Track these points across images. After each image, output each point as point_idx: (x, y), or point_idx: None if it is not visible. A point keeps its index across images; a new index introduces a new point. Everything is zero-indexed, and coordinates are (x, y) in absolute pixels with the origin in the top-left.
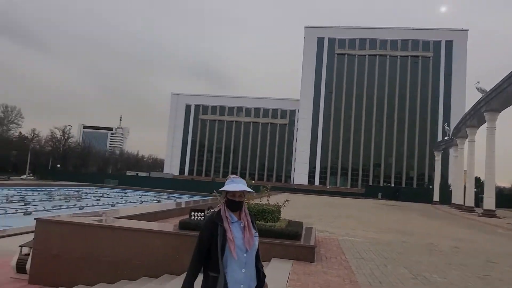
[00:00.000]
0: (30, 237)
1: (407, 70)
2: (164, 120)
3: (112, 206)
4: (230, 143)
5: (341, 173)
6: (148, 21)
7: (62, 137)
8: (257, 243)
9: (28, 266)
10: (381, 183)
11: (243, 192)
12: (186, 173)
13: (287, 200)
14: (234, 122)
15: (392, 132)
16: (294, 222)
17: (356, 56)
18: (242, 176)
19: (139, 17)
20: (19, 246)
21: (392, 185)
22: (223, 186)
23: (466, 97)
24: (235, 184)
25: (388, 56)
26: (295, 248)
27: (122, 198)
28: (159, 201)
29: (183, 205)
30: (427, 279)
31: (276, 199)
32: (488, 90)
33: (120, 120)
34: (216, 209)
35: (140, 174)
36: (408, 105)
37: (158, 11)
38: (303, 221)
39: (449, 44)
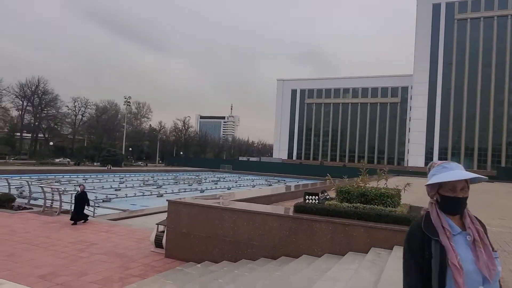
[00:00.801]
0: (163, 216)
1: None
2: (271, 106)
3: (228, 189)
4: (337, 126)
5: (465, 153)
6: (253, 11)
7: (183, 127)
8: (500, 268)
9: (164, 242)
10: None
11: (466, 183)
12: (294, 157)
13: (408, 184)
14: (340, 104)
15: None
16: (417, 208)
17: (482, 19)
18: (351, 160)
19: (245, 8)
20: (156, 224)
21: None
22: (331, 170)
23: None
24: (455, 172)
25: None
26: None
27: (236, 182)
28: (270, 185)
29: (293, 189)
30: None
31: (392, 182)
32: None
33: (231, 109)
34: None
35: (251, 159)
36: None
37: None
38: (425, 206)
39: None
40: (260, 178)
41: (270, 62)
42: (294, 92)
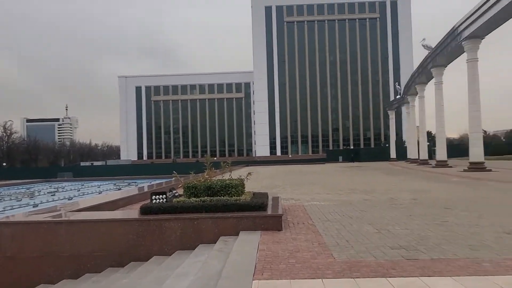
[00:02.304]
0: None
1: (356, 32)
2: (115, 105)
3: (69, 199)
4: (187, 122)
5: (302, 140)
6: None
7: (4, 134)
8: None
9: None
10: (341, 147)
11: None
12: (145, 157)
13: (249, 173)
14: (188, 100)
15: (347, 96)
16: (259, 194)
17: (306, 22)
18: (203, 154)
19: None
20: None
21: (351, 147)
22: (184, 167)
23: (414, 55)
24: None
25: (336, 21)
26: (262, 218)
27: (79, 191)
28: (119, 189)
29: (145, 190)
30: (390, 232)
31: (239, 173)
32: (433, 47)
33: (66, 109)
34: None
35: (96, 163)
36: (360, 68)
37: None
38: (268, 191)
39: (393, 4)
40: (108, 183)
41: (111, 57)
42: (139, 89)
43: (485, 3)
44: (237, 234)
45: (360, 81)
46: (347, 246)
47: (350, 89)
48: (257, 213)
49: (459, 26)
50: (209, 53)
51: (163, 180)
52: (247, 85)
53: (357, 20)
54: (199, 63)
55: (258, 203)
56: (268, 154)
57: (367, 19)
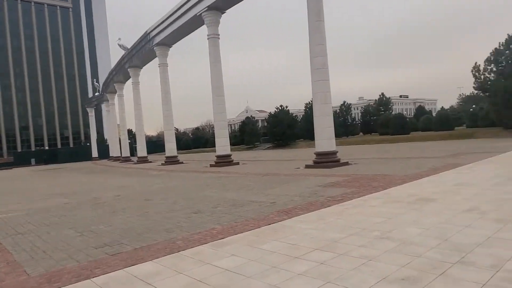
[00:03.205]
0: None
1: (45, 20)
2: None
3: None
4: None
5: None
6: None
7: None
8: None
9: None
10: (33, 148)
11: None
12: None
13: None
14: None
15: (37, 90)
16: None
17: None
18: None
19: None
20: None
21: (47, 148)
22: None
23: (112, 53)
24: None
25: (19, 1)
26: None
27: None
28: None
29: None
30: (94, 232)
31: None
32: (129, 48)
33: None
34: None
35: None
36: (52, 60)
37: None
38: None
39: None
40: None
41: None
42: None
43: (169, 16)
44: None
45: (53, 73)
46: (45, 257)
47: (41, 82)
48: None
49: (151, 32)
50: None
51: None
52: None
53: (46, 5)
54: None
55: None
56: None
57: (58, 7)
